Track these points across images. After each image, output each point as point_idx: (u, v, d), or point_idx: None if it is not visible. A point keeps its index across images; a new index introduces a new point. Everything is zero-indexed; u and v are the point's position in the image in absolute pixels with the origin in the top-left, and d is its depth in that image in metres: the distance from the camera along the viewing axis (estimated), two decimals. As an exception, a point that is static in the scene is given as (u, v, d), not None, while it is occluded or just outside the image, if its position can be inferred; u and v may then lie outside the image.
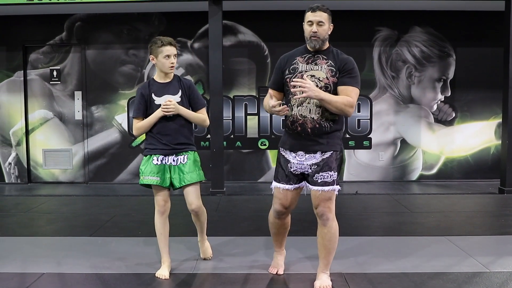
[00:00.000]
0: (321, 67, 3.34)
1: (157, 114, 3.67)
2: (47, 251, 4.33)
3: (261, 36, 7.92)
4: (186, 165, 3.73)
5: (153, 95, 3.72)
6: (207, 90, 7.79)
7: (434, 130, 8.03)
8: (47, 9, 7.51)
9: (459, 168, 8.09)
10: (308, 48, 3.42)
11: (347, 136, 8.00)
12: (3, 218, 5.63)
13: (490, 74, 7.88)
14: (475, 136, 8.06)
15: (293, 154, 3.42)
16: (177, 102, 3.69)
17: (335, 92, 3.32)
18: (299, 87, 3.18)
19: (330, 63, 3.34)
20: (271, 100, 3.31)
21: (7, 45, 7.98)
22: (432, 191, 7.24)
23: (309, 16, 3.34)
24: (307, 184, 3.43)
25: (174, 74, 3.81)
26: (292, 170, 3.43)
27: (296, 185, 3.47)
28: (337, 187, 3.37)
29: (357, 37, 7.88)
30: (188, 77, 7.83)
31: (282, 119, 3.63)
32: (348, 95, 3.28)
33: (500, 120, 7.46)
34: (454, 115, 8.02)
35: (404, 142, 8.04)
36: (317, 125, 3.31)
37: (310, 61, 3.38)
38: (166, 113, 3.64)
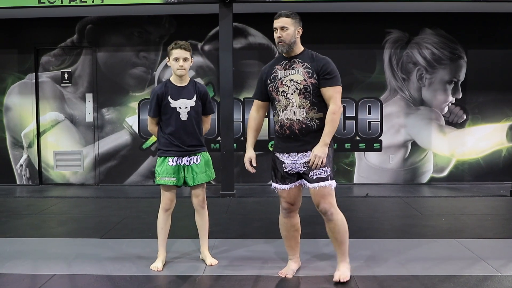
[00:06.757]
0: (297, 70, 3.50)
1: None
2: (58, 253, 4.36)
3: (271, 39, 7.83)
4: (199, 165, 3.95)
5: (169, 97, 3.85)
6: (217, 93, 7.81)
7: (445, 133, 7.98)
8: (58, 12, 7.56)
9: (470, 171, 8.03)
10: (283, 54, 3.59)
11: (358, 138, 7.97)
12: (15, 220, 5.67)
13: (501, 76, 7.83)
14: (486, 138, 7.99)
15: (287, 155, 3.56)
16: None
17: (315, 92, 3.45)
18: (315, 164, 3.36)
19: (306, 65, 3.49)
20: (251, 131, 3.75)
21: (19, 48, 8.05)
22: (443, 194, 7.19)
23: (274, 23, 3.52)
24: (305, 182, 3.54)
25: (190, 78, 3.98)
26: (287, 170, 3.57)
27: (292, 184, 3.60)
28: (333, 182, 3.48)
29: (368, 39, 7.86)
30: (199, 79, 7.86)
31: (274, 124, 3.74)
32: (331, 97, 3.42)
33: (512, 122, 7.43)
34: (465, 117, 7.96)
35: (414, 144, 8.00)
36: (304, 125, 3.46)
37: (287, 67, 3.56)
38: None
